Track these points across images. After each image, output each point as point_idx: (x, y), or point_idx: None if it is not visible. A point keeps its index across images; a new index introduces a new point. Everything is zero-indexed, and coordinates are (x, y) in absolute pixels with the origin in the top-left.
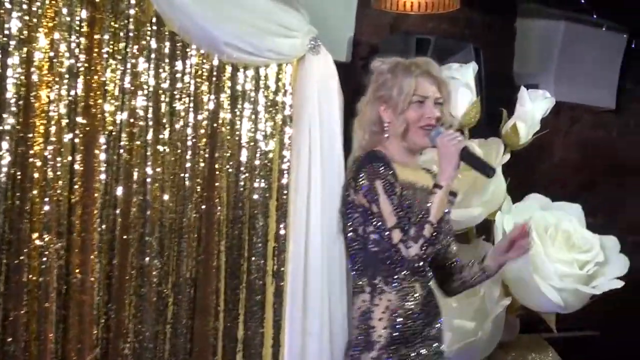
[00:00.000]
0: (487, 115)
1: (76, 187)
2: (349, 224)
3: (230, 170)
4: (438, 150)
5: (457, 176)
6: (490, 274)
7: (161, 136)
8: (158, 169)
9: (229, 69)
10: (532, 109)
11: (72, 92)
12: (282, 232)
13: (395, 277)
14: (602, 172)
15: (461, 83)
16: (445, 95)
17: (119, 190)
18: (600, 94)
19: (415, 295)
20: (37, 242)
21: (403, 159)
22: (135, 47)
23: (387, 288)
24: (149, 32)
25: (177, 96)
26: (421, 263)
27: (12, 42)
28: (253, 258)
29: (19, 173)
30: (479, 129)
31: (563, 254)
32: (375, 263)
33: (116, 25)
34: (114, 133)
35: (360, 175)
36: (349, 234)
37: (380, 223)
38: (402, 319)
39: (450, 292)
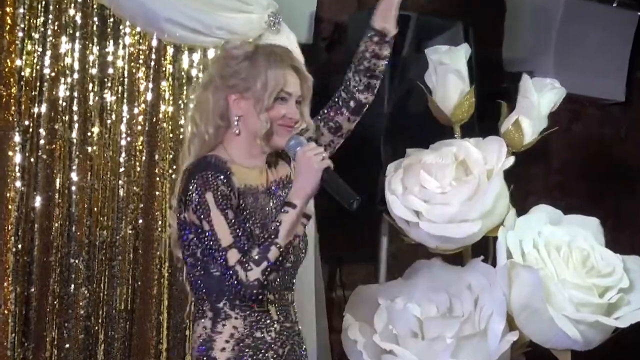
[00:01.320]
0: (478, 109)
1: None
2: (185, 248)
3: (173, 175)
4: (296, 164)
5: (312, 196)
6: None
7: (89, 134)
8: (85, 175)
9: (170, 50)
10: (537, 101)
11: None
12: None
13: (243, 302)
14: (610, 177)
15: (451, 69)
16: (306, 93)
17: (37, 201)
18: (607, 84)
19: (268, 322)
20: None
21: (246, 160)
22: (57, 23)
23: (232, 313)
24: (73, 5)
25: (108, 84)
26: (260, 291)
27: None
28: None
29: None
30: (472, 126)
31: (579, 278)
32: (221, 287)
33: None
34: (30, 130)
35: (189, 188)
36: (187, 259)
37: (213, 243)
38: (250, 352)
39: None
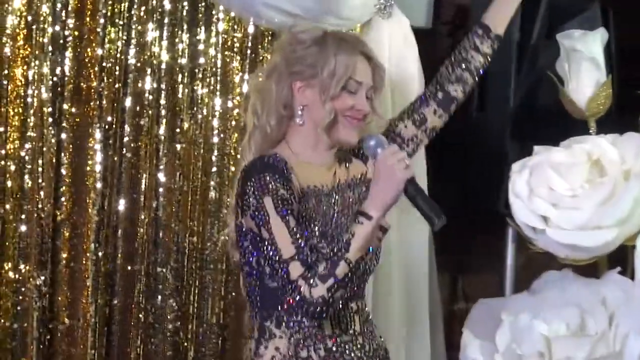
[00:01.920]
0: (617, 101)
1: (63, 199)
2: (242, 255)
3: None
4: (376, 168)
5: (389, 209)
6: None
7: (177, 130)
8: (174, 176)
9: (268, 38)
10: None
11: (58, 70)
12: None
13: (292, 317)
14: None
15: (585, 57)
16: (378, 84)
17: (121, 204)
18: None
19: (318, 338)
20: (10, 274)
21: (311, 155)
22: (143, 8)
23: (277, 331)
24: None
25: (199, 76)
26: (324, 309)
27: None
28: None
29: None
30: (609, 120)
31: None
32: (274, 300)
33: None
34: (113, 126)
35: (246, 191)
36: (243, 267)
37: (273, 253)
38: None
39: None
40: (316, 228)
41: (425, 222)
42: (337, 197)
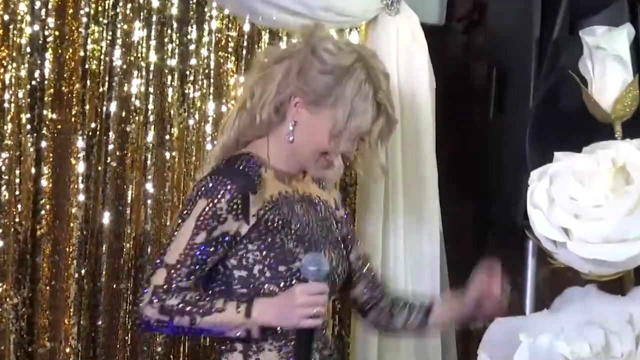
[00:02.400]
0: None
1: (42, 212)
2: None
3: None
4: (289, 290)
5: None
6: (425, 333)
7: (167, 137)
8: (163, 187)
9: (266, 37)
10: None
11: (37, 73)
12: None
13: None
14: None
15: (610, 55)
16: (384, 137)
17: (105, 218)
18: None
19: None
20: None
21: (285, 164)
22: (129, 6)
23: (265, 344)
24: None
25: (191, 78)
26: (140, 327)
27: None
28: None
29: None
30: (636, 123)
31: None
32: None
33: None
34: (97, 133)
35: (199, 183)
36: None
37: (162, 250)
38: None
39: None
40: (292, 231)
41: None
42: (311, 205)
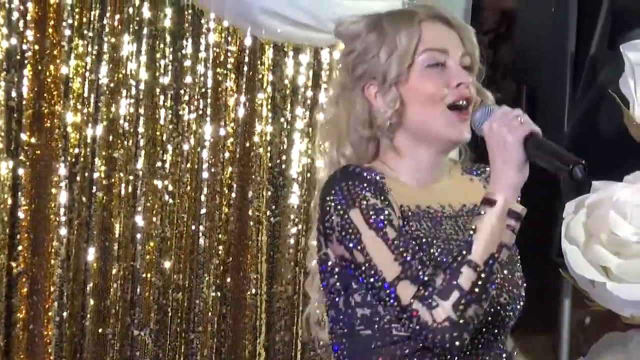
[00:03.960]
0: None
1: (19, 248)
2: (326, 297)
3: (272, 218)
4: (487, 145)
5: (522, 183)
6: None
7: (159, 164)
8: (154, 219)
9: (270, 52)
10: None
11: (14, 93)
12: None
13: None
14: None
15: None
16: (474, 53)
17: (90, 254)
18: None
19: None
20: None
21: (419, 176)
22: (117, 17)
23: None
24: None
25: (185, 98)
26: (457, 342)
27: None
28: None
29: None
30: None
31: None
32: (370, 354)
33: None
34: (81, 160)
35: (327, 209)
36: (329, 312)
37: (374, 279)
38: None
39: None
40: (436, 254)
41: None
42: (468, 221)
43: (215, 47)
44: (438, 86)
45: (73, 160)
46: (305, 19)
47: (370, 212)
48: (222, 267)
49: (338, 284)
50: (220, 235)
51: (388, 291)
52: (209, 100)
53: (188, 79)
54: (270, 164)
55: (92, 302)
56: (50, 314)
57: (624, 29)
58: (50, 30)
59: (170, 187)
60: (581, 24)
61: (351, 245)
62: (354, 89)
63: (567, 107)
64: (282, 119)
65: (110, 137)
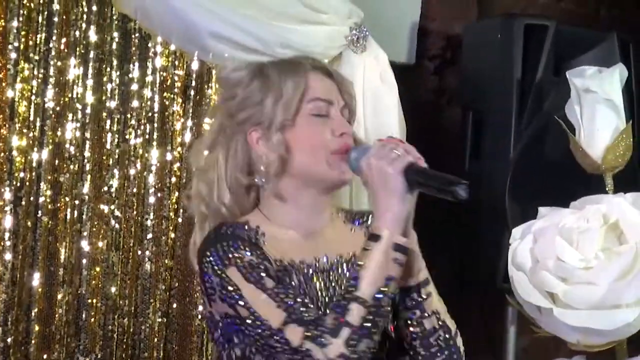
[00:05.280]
0: (639, 153)
1: None
2: (215, 350)
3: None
4: (366, 180)
5: (407, 214)
6: None
7: (105, 189)
8: (93, 242)
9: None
10: None
11: None
12: None
13: None
14: None
15: (600, 99)
16: (352, 106)
17: (35, 279)
18: None
19: None
20: None
21: (300, 222)
22: (63, 40)
23: None
24: (84, 17)
25: (132, 122)
26: None
27: None
28: None
29: None
30: (629, 175)
31: None
32: None
33: (30, 4)
34: (26, 184)
35: (205, 270)
36: None
37: (260, 329)
38: None
39: None
40: (313, 306)
41: None
42: (341, 274)
43: (162, 71)
44: (323, 134)
45: (18, 184)
46: (253, 43)
47: (248, 268)
48: (168, 293)
49: (221, 337)
50: (166, 261)
51: (278, 337)
52: (155, 125)
53: (135, 103)
54: None
55: (37, 327)
56: None
57: (569, 57)
58: None
59: (117, 212)
60: (527, 51)
61: (233, 301)
62: (235, 134)
63: (513, 133)
64: None
65: (56, 161)
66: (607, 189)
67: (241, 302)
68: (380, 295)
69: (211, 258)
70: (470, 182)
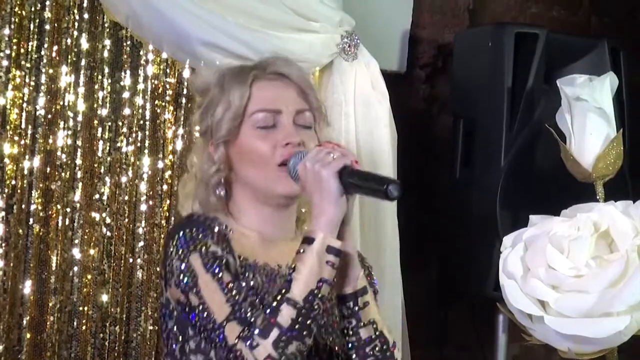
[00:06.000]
0: (630, 161)
1: None
2: (164, 343)
3: None
4: (302, 184)
5: (342, 217)
6: None
7: (97, 197)
8: (85, 250)
9: None
10: None
11: None
12: None
13: None
14: None
15: (591, 107)
16: (316, 109)
17: (27, 287)
18: None
19: None
20: None
21: (262, 229)
22: (54, 48)
23: None
24: (76, 25)
25: (124, 130)
26: None
27: None
28: None
29: None
30: (619, 183)
31: None
32: None
33: (22, 12)
34: (18, 191)
35: (170, 253)
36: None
37: (205, 321)
38: None
39: None
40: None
41: (394, 308)
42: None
43: (154, 79)
44: (268, 146)
45: (10, 192)
46: (245, 51)
47: (210, 258)
48: (159, 301)
49: (175, 328)
50: (158, 268)
51: (218, 332)
52: (147, 132)
53: (126, 111)
54: None
55: (28, 335)
56: None
57: (559, 65)
58: None
59: (108, 220)
60: (517, 59)
61: (187, 288)
62: (202, 143)
63: (504, 141)
64: None
65: (48, 169)
66: (597, 197)
67: (194, 290)
68: (312, 298)
69: (178, 241)
70: (461, 190)
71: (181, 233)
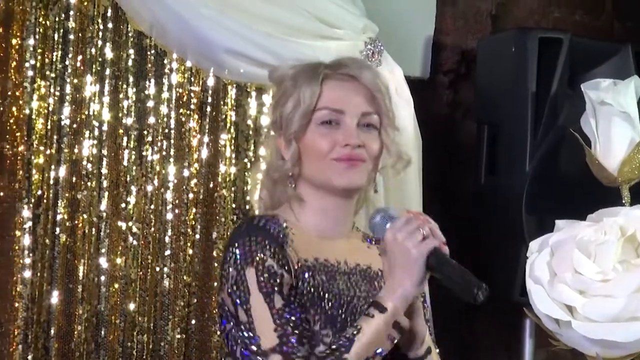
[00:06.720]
0: None
1: None
2: (224, 342)
3: None
4: (387, 250)
5: (418, 295)
6: None
7: (123, 205)
8: (111, 259)
9: (233, 92)
10: None
11: None
12: None
13: None
14: None
15: (616, 111)
16: (384, 114)
17: (54, 297)
18: None
19: None
20: None
21: (322, 226)
22: (79, 58)
23: None
24: (100, 34)
25: (149, 139)
26: None
27: None
28: None
29: None
30: None
31: None
32: None
33: (46, 22)
34: (44, 201)
35: (227, 259)
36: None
37: (249, 341)
38: None
39: None
40: (327, 307)
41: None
42: (360, 279)
43: (178, 88)
44: (328, 144)
45: (36, 201)
46: (269, 59)
47: (265, 275)
48: (187, 309)
49: (233, 330)
50: (185, 277)
51: (260, 358)
52: (172, 141)
53: (151, 120)
54: (234, 205)
55: (56, 345)
56: (14, 358)
57: (583, 69)
58: (12, 71)
59: (135, 229)
60: (541, 64)
61: (238, 301)
62: (272, 136)
63: (529, 146)
64: (245, 160)
65: (74, 179)
66: (623, 201)
67: (245, 307)
68: None
69: (237, 250)
70: (486, 196)
71: (241, 241)
